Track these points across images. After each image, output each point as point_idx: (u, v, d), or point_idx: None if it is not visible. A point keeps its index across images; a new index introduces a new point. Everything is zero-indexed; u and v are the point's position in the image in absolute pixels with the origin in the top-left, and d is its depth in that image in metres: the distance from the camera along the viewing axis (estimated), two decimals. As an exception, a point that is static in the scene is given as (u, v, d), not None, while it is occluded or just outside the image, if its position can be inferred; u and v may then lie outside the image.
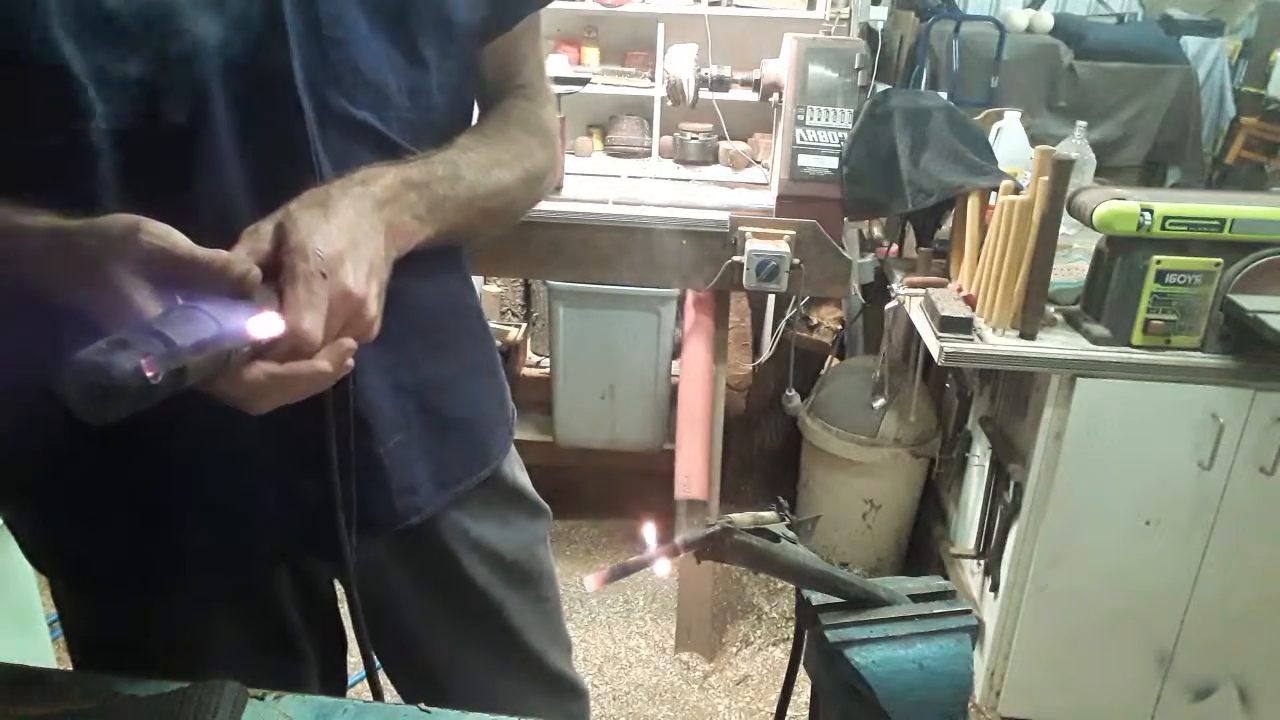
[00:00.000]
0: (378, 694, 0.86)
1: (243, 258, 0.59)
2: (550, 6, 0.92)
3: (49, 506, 0.80)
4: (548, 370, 2.64)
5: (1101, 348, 1.69)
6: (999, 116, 2.17)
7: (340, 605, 0.96)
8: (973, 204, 1.86)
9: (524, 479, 1.03)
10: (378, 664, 0.87)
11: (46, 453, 0.75)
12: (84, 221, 0.60)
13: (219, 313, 0.56)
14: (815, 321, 2.76)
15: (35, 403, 0.68)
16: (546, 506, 1.06)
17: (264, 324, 0.58)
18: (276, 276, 0.61)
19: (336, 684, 1.02)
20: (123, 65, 0.62)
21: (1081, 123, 2.09)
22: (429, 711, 0.73)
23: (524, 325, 2.89)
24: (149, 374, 0.51)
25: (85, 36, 0.61)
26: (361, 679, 0.87)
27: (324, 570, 0.92)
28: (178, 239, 0.58)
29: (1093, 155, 2.09)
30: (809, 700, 0.69)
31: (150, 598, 0.83)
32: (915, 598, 0.66)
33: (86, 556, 0.81)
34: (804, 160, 2.02)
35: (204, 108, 0.65)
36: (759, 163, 2.94)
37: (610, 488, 2.70)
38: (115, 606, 0.84)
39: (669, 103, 2.21)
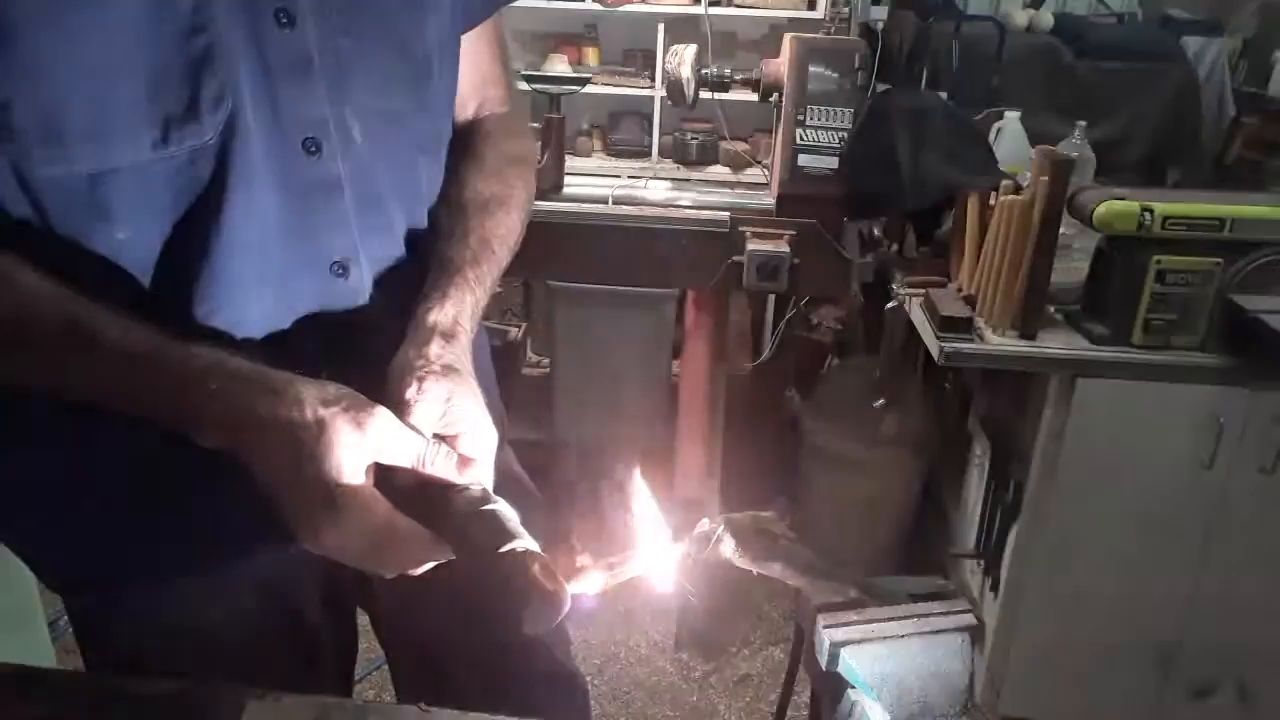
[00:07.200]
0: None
1: (486, 489, 0.65)
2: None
3: (79, 519, 0.78)
4: (547, 370, 2.64)
5: (1101, 348, 1.69)
6: (999, 116, 2.17)
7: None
8: (973, 204, 1.86)
9: (519, 468, 1.05)
10: (382, 661, 0.88)
11: (83, 469, 0.74)
12: (326, 386, 0.62)
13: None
14: (815, 321, 2.76)
15: (76, 426, 0.69)
16: (540, 496, 1.07)
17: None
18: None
19: (344, 687, 1.02)
20: (162, 77, 0.62)
21: (1081, 123, 2.09)
22: (429, 711, 0.73)
23: (524, 325, 2.89)
24: None
25: (126, 50, 0.60)
26: (369, 674, 0.87)
27: (347, 571, 0.93)
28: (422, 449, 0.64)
29: (1093, 155, 2.09)
30: (809, 700, 0.69)
31: (184, 602, 0.82)
32: (915, 598, 0.66)
33: (116, 560, 0.80)
34: (804, 160, 2.02)
35: (236, 114, 0.65)
36: (759, 163, 2.94)
37: (609, 487, 2.70)
38: (147, 620, 0.83)
39: (669, 103, 2.21)
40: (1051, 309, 1.78)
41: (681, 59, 2.07)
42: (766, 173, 2.34)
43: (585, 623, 2.32)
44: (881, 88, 2.07)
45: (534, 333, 2.92)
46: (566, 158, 2.20)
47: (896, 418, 2.31)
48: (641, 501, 0.62)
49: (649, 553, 0.60)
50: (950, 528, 2.35)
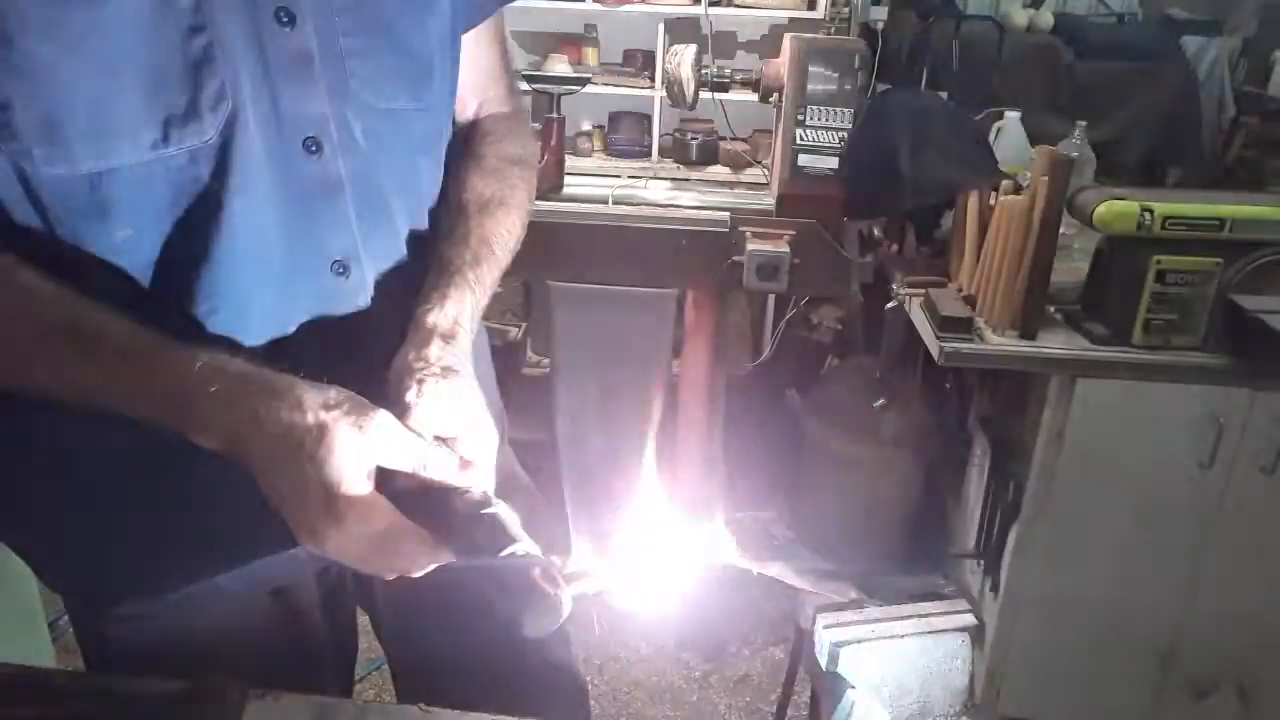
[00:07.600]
0: None
1: (487, 491, 0.65)
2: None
3: (79, 519, 0.78)
4: (547, 370, 2.64)
5: (1101, 348, 1.69)
6: (999, 116, 2.17)
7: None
8: (973, 204, 1.86)
9: (519, 468, 1.06)
10: (382, 661, 0.88)
11: (84, 470, 0.74)
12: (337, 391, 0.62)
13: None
14: (815, 321, 2.76)
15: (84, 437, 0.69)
16: (540, 496, 1.07)
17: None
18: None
19: (344, 687, 1.02)
20: (162, 76, 0.62)
21: (1081, 123, 2.09)
22: (429, 711, 0.73)
23: (524, 325, 2.89)
24: None
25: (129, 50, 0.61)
26: (369, 674, 0.87)
27: (347, 572, 0.93)
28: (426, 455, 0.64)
29: (1093, 155, 2.09)
30: (809, 700, 0.69)
31: (184, 603, 0.82)
32: (915, 598, 0.66)
33: (116, 561, 0.80)
34: (804, 160, 2.02)
35: (236, 113, 0.65)
36: (759, 163, 2.95)
37: (609, 488, 2.70)
38: (147, 620, 0.83)
39: (669, 103, 2.21)
40: (1051, 309, 1.78)
41: (681, 59, 2.07)
42: (766, 173, 2.34)
43: (585, 623, 2.32)
44: (881, 88, 2.07)
45: (534, 333, 2.92)
46: (566, 158, 2.21)
47: (896, 418, 2.31)
48: (648, 481, 0.62)
49: (649, 554, 0.60)
50: (950, 528, 2.34)
